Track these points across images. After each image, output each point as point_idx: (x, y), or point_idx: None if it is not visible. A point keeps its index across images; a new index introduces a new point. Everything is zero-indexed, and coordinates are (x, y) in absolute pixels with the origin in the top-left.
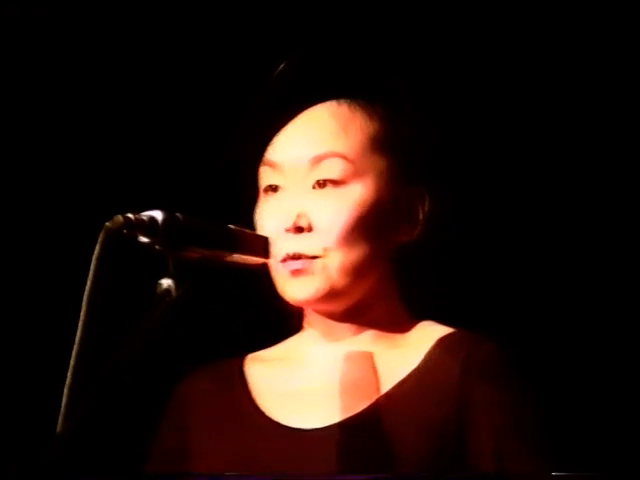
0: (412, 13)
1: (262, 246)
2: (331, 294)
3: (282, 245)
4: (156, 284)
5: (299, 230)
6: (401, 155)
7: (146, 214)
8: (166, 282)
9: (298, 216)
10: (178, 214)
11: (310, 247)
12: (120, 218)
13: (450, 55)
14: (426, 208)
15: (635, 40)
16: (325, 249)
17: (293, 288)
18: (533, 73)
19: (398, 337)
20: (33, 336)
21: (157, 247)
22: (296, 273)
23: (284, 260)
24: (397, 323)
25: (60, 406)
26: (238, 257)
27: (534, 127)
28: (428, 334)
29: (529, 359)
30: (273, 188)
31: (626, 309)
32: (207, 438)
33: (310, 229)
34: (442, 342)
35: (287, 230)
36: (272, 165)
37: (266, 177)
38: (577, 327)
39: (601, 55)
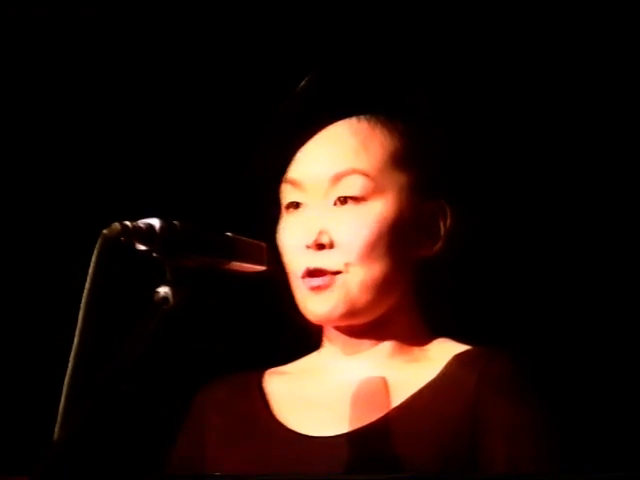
0: (431, 29)
1: (260, 254)
2: (352, 310)
3: (303, 260)
4: (153, 292)
5: (321, 247)
6: (421, 170)
7: (143, 221)
8: (163, 290)
9: (320, 233)
10: (175, 222)
11: (331, 262)
12: (117, 225)
13: (469, 70)
14: (447, 223)
15: (635, 40)
16: (347, 264)
17: (313, 304)
18: (553, 87)
19: (415, 352)
20: (30, 343)
21: (154, 255)
22: (316, 289)
23: (304, 276)
24: (415, 338)
25: (57, 414)
26: (236, 265)
27: (555, 142)
28: (445, 350)
29: (544, 373)
30: (294, 205)
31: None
32: (224, 445)
33: (332, 246)
34: (458, 357)
35: (308, 247)
36: (293, 183)
37: (287, 194)
38: (594, 344)
39: (622, 75)
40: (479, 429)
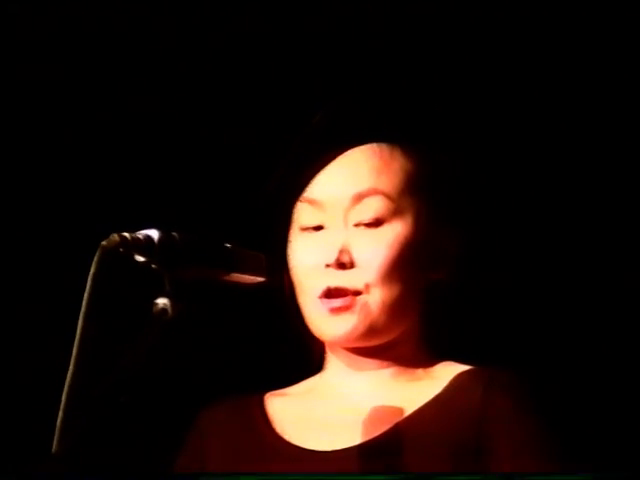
0: (450, 58)
1: (259, 265)
2: (370, 331)
3: (322, 280)
4: (152, 303)
5: (342, 266)
6: (438, 196)
7: (142, 233)
8: (162, 301)
9: (340, 252)
10: (174, 233)
11: (352, 282)
12: (116, 237)
13: (486, 97)
14: (459, 249)
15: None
16: (367, 285)
17: (332, 326)
18: (566, 111)
19: (419, 372)
20: (29, 354)
21: (153, 266)
22: (336, 311)
23: (322, 296)
24: (419, 360)
25: (55, 426)
26: (236, 276)
27: (567, 168)
28: (449, 370)
29: (549, 387)
30: (315, 227)
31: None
32: (225, 464)
33: (352, 265)
34: (462, 375)
35: (328, 265)
36: (313, 202)
37: (305, 214)
38: (599, 364)
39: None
40: (485, 439)
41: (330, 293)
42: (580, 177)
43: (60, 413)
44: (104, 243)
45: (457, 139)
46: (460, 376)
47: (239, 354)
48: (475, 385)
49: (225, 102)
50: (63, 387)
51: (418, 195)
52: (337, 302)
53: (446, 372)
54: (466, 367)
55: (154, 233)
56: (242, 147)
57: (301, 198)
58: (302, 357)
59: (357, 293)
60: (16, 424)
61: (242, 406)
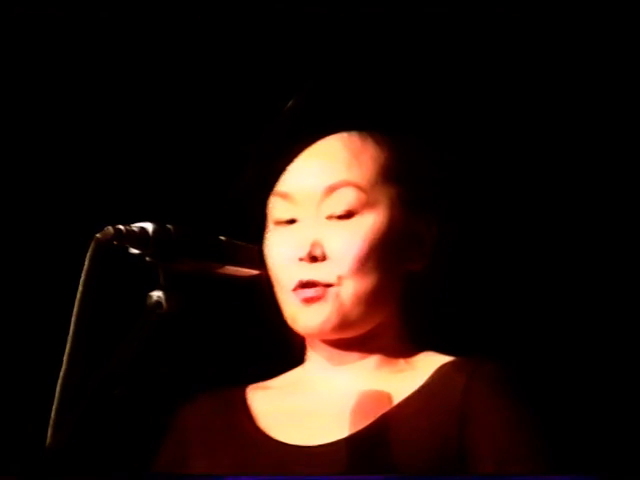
0: (421, 44)
1: (254, 257)
2: (344, 323)
3: (295, 273)
4: (147, 296)
5: (314, 259)
6: (411, 184)
7: (137, 225)
8: (157, 294)
9: (312, 245)
10: (169, 225)
11: (324, 275)
12: (110, 229)
13: (457, 84)
14: (435, 237)
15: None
16: (339, 277)
17: (305, 317)
18: (540, 95)
19: (401, 363)
20: (23, 348)
21: (148, 259)
22: (308, 301)
23: (296, 288)
24: (400, 351)
25: (49, 419)
26: (230, 269)
27: (546, 153)
28: (431, 361)
29: (532, 378)
30: (287, 221)
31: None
32: (208, 459)
33: (324, 258)
34: (445, 366)
35: (301, 259)
36: (284, 196)
37: (278, 207)
38: (582, 351)
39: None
40: (467, 431)
41: (303, 286)
42: (555, 163)
43: (54, 406)
44: (98, 236)
45: (430, 126)
46: (443, 367)
47: (224, 346)
48: (458, 376)
49: (217, 93)
50: (57, 380)
51: (391, 185)
52: (309, 292)
53: (428, 363)
54: (448, 358)
55: (149, 226)
56: (238, 140)
57: (274, 192)
58: (283, 349)
59: (329, 285)
60: (9, 418)
61: (224, 400)
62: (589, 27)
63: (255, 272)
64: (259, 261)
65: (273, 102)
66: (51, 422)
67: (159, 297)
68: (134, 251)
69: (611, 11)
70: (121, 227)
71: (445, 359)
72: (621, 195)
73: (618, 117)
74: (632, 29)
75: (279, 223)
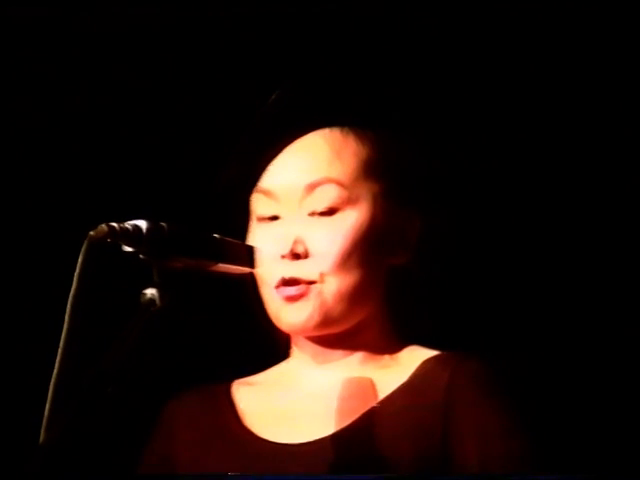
0: (401, 39)
1: (247, 255)
2: (326, 320)
3: (278, 270)
4: (140, 294)
5: (296, 257)
6: (393, 179)
7: (130, 223)
8: (150, 292)
9: (295, 242)
10: (162, 223)
11: (307, 272)
12: (104, 227)
13: (439, 77)
14: (418, 231)
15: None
16: (322, 274)
17: (288, 314)
18: (523, 88)
19: (386, 359)
20: (16, 345)
21: (141, 256)
22: (291, 299)
23: (279, 286)
24: (385, 346)
25: (43, 417)
26: (223, 266)
27: (530, 146)
28: (415, 356)
29: (516, 374)
30: (269, 218)
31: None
32: (194, 457)
33: (307, 255)
34: (429, 361)
35: (283, 256)
36: (266, 193)
37: (260, 204)
38: (566, 347)
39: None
40: (451, 426)
41: (285, 283)
42: (540, 156)
43: (47, 404)
44: (92, 233)
45: (412, 121)
46: (427, 362)
47: (210, 341)
48: (441, 370)
49: (206, 91)
50: (50, 377)
51: (373, 180)
52: (291, 290)
53: (413, 358)
54: (432, 352)
55: (142, 223)
56: (229, 137)
57: (256, 188)
58: (270, 344)
59: (312, 283)
60: (3, 416)
61: (210, 397)
62: (589, 27)
63: (248, 270)
64: (250, 259)
65: (261, 99)
66: (45, 420)
67: (153, 295)
68: (128, 249)
69: (611, 11)
70: (115, 225)
71: (430, 353)
72: (601, 186)
73: (617, 117)
74: (632, 29)
75: (262, 220)
